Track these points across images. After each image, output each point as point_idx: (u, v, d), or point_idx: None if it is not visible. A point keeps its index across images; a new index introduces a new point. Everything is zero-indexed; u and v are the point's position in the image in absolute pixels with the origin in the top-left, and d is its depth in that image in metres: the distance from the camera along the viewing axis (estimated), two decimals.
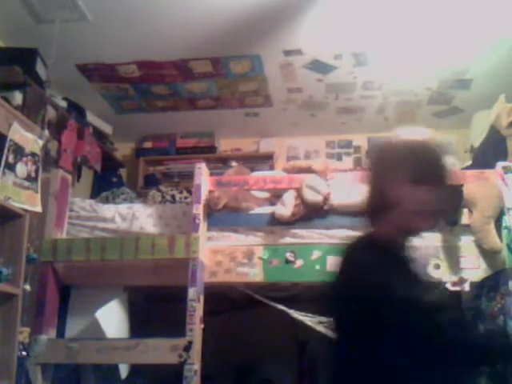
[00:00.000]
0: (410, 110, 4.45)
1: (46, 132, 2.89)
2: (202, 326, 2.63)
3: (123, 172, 4.88)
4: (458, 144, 4.51)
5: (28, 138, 2.70)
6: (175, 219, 3.00)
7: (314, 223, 2.84)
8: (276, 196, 3.07)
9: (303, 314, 2.84)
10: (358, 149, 4.95)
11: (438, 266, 2.69)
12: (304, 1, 3.08)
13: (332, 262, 2.73)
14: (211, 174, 3.00)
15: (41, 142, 2.80)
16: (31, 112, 2.92)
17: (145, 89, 4.13)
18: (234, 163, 4.73)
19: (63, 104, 3.58)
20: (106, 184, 4.11)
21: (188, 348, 2.53)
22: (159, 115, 4.59)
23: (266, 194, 3.19)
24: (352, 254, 1.51)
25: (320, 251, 2.76)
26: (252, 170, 4.06)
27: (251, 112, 4.56)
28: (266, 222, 2.88)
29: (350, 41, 3.48)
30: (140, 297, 3.33)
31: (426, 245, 2.74)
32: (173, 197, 3.34)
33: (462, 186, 2.77)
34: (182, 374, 2.50)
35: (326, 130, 4.84)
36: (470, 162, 3.17)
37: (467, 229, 2.74)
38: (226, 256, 2.82)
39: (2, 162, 2.47)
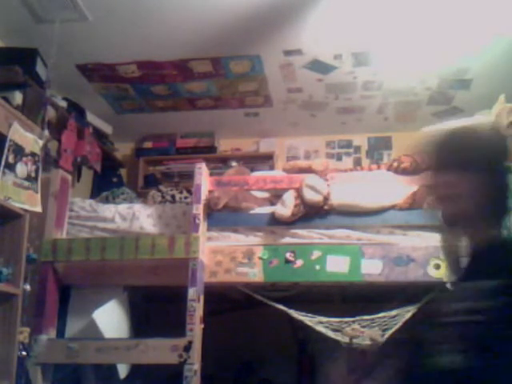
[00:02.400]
0: (409, 110, 4.45)
1: (46, 132, 2.89)
2: (202, 325, 2.63)
3: (123, 172, 4.88)
4: None
5: (28, 137, 2.70)
6: (175, 219, 3.00)
7: (314, 223, 2.84)
8: (276, 196, 3.07)
9: (303, 313, 2.84)
10: (358, 149, 4.96)
11: (437, 266, 2.69)
12: (304, 1, 3.08)
13: (332, 262, 2.74)
14: (211, 174, 3.00)
15: (41, 142, 2.80)
16: (31, 112, 2.91)
17: (145, 89, 4.13)
18: (234, 163, 4.74)
19: (63, 104, 3.58)
20: (105, 184, 4.12)
21: (188, 348, 2.53)
22: (159, 115, 4.59)
23: (265, 194, 3.19)
24: None
25: (320, 251, 2.76)
26: (252, 170, 4.06)
27: (251, 112, 4.56)
28: (265, 222, 2.88)
29: (350, 41, 3.48)
30: (140, 297, 3.33)
31: (426, 245, 2.75)
32: (173, 197, 3.34)
33: None
34: (181, 374, 2.50)
35: (326, 130, 4.84)
36: None
37: None
38: (226, 256, 2.82)
39: (2, 162, 2.47)
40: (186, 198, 3.32)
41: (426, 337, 1.24)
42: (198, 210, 2.78)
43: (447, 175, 1.32)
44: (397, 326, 2.79)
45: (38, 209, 2.73)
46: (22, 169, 2.62)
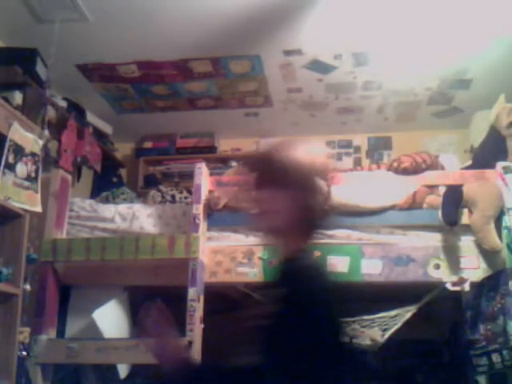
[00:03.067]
0: (409, 110, 4.44)
1: (46, 132, 2.89)
2: (202, 325, 2.63)
3: (123, 172, 4.88)
4: (458, 144, 4.52)
5: (28, 137, 2.70)
6: (175, 219, 3.00)
7: None
8: None
9: None
10: (357, 149, 4.96)
11: (437, 266, 2.70)
12: (304, 1, 3.08)
13: (332, 262, 2.74)
14: (211, 174, 3.00)
15: (41, 142, 2.80)
16: (31, 112, 2.92)
17: (145, 89, 4.13)
18: (234, 163, 4.73)
19: (63, 104, 3.58)
20: (105, 184, 4.12)
21: (188, 348, 2.53)
22: (159, 115, 4.59)
23: None
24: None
25: (320, 251, 2.75)
26: None
27: (251, 112, 4.56)
28: None
29: (350, 41, 3.47)
30: (140, 297, 3.33)
31: (425, 245, 2.75)
32: (173, 197, 3.34)
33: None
34: None
35: (326, 129, 4.83)
36: (470, 162, 3.17)
37: (467, 229, 2.74)
38: (226, 256, 2.82)
39: (2, 162, 2.47)
40: (186, 198, 3.32)
41: (230, 338, 1.36)
42: (198, 209, 2.78)
43: (264, 192, 1.39)
44: (397, 326, 2.79)
45: (38, 209, 2.73)
46: (21, 169, 2.62)
